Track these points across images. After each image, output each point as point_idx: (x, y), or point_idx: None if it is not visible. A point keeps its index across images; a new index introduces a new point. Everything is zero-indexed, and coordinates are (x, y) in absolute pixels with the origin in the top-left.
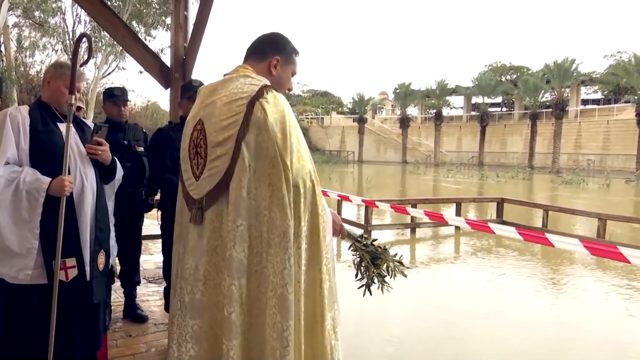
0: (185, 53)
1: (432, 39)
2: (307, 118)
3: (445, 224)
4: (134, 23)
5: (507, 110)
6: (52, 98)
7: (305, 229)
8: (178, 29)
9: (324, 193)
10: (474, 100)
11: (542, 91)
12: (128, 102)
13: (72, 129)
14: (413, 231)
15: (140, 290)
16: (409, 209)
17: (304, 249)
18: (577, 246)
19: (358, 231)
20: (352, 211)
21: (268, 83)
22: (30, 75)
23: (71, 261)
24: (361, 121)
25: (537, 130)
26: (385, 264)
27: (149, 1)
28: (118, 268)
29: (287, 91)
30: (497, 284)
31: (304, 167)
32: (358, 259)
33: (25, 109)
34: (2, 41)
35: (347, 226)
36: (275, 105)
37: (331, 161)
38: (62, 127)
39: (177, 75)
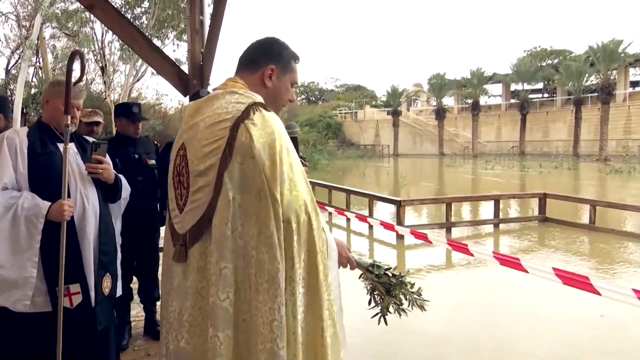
0: (202, 59)
1: (467, 26)
2: (340, 113)
3: (429, 242)
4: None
5: (548, 97)
6: (51, 118)
7: (301, 271)
8: (194, 34)
9: (340, 212)
10: (513, 87)
11: (586, 75)
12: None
13: (73, 149)
14: (449, 231)
15: None
16: (397, 227)
17: (299, 294)
18: (548, 274)
19: (369, 260)
20: (385, 210)
21: (257, 100)
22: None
23: (75, 287)
24: (395, 114)
25: (582, 116)
26: (402, 294)
27: (180, 8)
28: (135, 287)
29: (288, 102)
30: (539, 285)
31: (298, 199)
32: (370, 287)
33: (24, 131)
34: (39, 53)
35: (356, 255)
36: (264, 128)
37: (365, 156)
38: (62, 147)
39: (195, 82)
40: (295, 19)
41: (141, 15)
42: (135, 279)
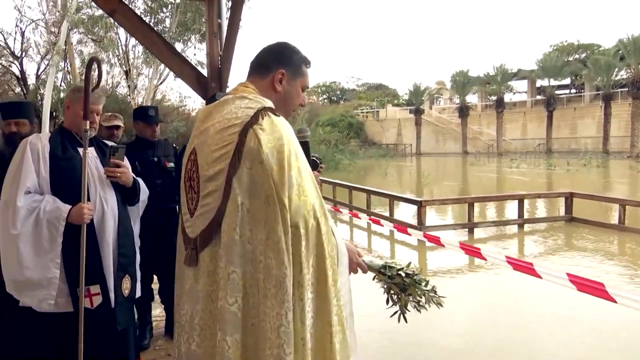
0: (221, 62)
1: (491, 21)
2: (362, 112)
3: (440, 243)
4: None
5: (576, 92)
6: (72, 123)
7: (310, 276)
8: (212, 37)
9: (354, 214)
10: (539, 83)
11: (616, 69)
12: (159, 123)
13: (93, 153)
14: (471, 231)
15: None
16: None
17: (308, 299)
18: (562, 280)
19: (380, 261)
20: (407, 210)
21: (267, 105)
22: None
23: (95, 288)
24: (418, 112)
25: (612, 112)
26: (419, 292)
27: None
28: (156, 287)
29: (299, 107)
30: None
31: (306, 204)
32: (386, 287)
33: (46, 136)
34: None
35: (367, 258)
36: (272, 133)
37: (387, 155)
38: (82, 151)
39: (213, 85)
40: (316, 19)
41: (164, 19)
42: (155, 279)
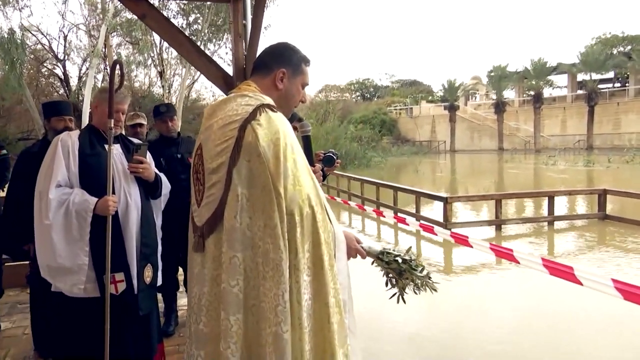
0: (245, 62)
1: (530, 14)
2: (395, 109)
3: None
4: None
5: (620, 87)
6: (99, 122)
7: (306, 260)
8: (237, 38)
9: (379, 212)
10: (580, 77)
11: None
12: (175, 117)
13: (119, 149)
14: (498, 228)
15: None
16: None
17: (304, 282)
18: (608, 287)
19: (379, 247)
20: (436, 207)
21: (265, 102)
22: (134, 88)
23: (120, 275)
24: (452, 109)
25: None
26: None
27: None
28: (181, 278)
29: (300, 103)
30: (612, 295)
31: (301, 193)
32: (385, 271)
33: (75, 133)
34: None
35: (366, 243)
36: (269, 127)
37: (420, 152)
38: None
39: (238, 84)
40: (348, 16)
41: (197, 20)
42: (181, 270)
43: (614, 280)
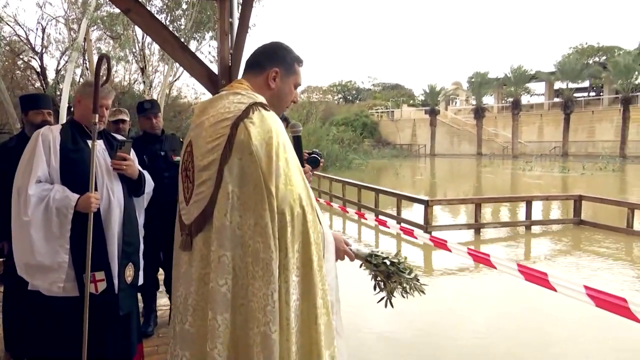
0: (231, 60)
1: (510, 23)
2: (377, 112)
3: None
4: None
5: (595, 96)
6: (82, 116)
7: (295, 261)
8: (224, 36)
9: (361, 215)
10: (557, 85)
11: (636, 73)
12: (159, 114)
13: (102, 145)
14: (477, 232)
15: None
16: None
17: (293, 282)
18: (580, 294)
19: (367, 250)
20: (416, 210)
21: (258, 100)
22: (114, 84)
23: (100, 274)
24: (433, 113)
25: (631, 116)
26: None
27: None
28: (161, 277)
29: (292, 104)
30: (584, 302)
31: (292, 193)
32: (373, 274)
33: (57, 128)
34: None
35: (354, 246)
36: (262, 126)
37: (401, 155)
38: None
39: (223, 82)
40: (332, 19)
41: (179, 17)
42: (161, 269)
43: (586, 287)
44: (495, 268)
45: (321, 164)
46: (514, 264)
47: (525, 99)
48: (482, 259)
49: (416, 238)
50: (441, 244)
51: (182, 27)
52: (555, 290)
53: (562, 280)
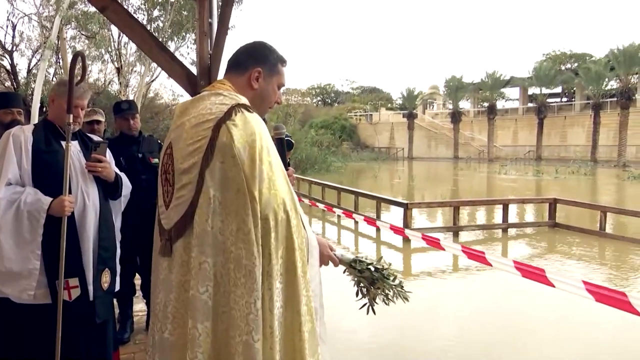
0: (210, 61)
1: (486, 29)
2: (355, 115)
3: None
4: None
5: (567, 101)
6: (56, 116)
7: (279, 267)
8: (202, 36)
9: (348, 214)
10: (531, 91)
11: (606, 79)
12: (137, 115)
13: (76, 147)
14: (456, 234)
15: None
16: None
17: (277, 289)
18: (580, 289)
19: (351, 256)
20: (394, 213)
21: (241, 101)
22: (89, 84)
23: (74, 281)
24: (411, 117)
25: (601, 121)
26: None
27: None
28: (138, 282)
29: (275, 105)
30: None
31: (276, 197)
32: (356, 280)
33: (29, 128)
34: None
35: (339, 251)
36: (245, 128)
37: (379, 158)
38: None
39: (202, 83)
40: (311, 22)
41: (157, 17)
42: (138, 275)
43: (585, 282)
44: (490, 265)
45: (292, 147)
46: (510, 262)
47: (500, 104)
48: (477, 257)
49: (408, 237)
50: (434, 243)
51: (161, 26)
52: (553, 286)
53: (559, 276)
